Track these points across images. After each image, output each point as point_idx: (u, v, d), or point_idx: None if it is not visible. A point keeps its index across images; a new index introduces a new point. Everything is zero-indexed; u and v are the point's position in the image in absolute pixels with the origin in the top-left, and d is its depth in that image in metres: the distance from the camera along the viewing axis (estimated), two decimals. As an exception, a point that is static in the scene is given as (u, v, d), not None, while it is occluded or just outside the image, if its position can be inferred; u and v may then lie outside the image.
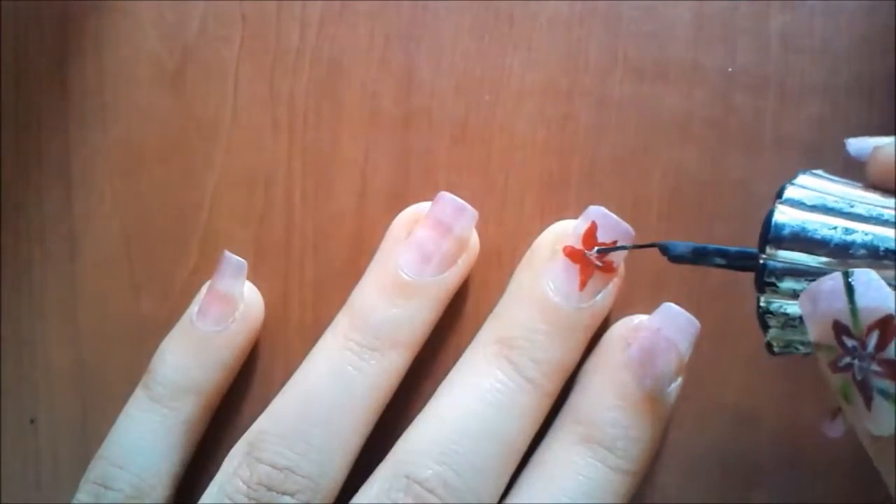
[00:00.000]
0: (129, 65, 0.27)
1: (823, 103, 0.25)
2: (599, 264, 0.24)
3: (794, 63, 0.25)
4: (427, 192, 0.26)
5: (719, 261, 0.21)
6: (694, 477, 0.26)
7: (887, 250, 0.19)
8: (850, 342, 0.18)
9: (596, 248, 0.24)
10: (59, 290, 0.27)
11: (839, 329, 0.18)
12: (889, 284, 0.18)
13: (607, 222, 0.24)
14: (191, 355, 0.25)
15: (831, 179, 0.20)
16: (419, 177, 0.26)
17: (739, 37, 0.25)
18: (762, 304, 0.20)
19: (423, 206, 0.25)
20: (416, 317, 0.24)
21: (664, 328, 0.24)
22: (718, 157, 0.25)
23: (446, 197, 0.24)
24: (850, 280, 0.18)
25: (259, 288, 0.26)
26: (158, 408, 0.24)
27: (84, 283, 0.27)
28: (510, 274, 0.25)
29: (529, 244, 0.25)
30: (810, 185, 0.20)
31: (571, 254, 0.24)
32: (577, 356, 0.24)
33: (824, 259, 0.19)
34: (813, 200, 0.20)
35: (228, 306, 0.25)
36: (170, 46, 0.27)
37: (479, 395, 0.23)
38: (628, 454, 0.23)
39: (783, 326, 0.20)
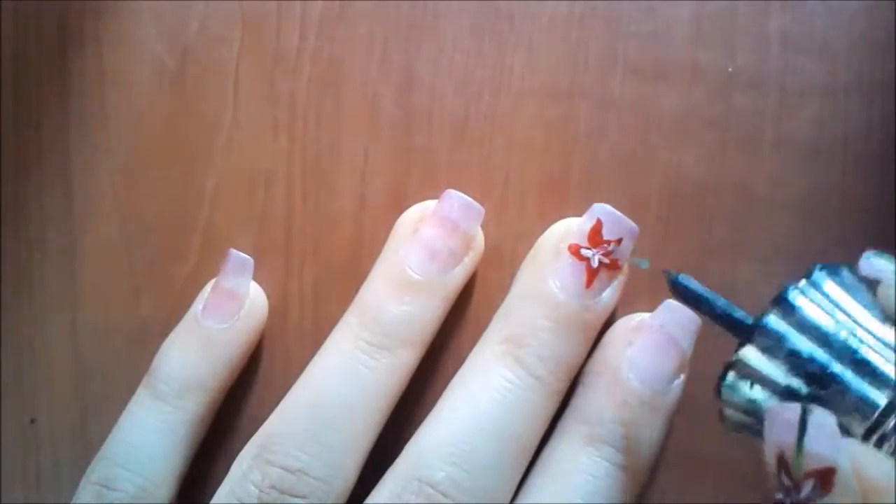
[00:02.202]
0: (129, 65, 0.27)
1: (823, 103, 0.25)
2: (606, 261, 0.24)
3: (794, 63, 0.25)
4: (427, 193, 0.26)
5: (710, 314, 0.20)
6: (694, 477, 0.26)
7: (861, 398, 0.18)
8: (786, 480, 0.17)
9: (597, 253, 0.24)
10: (59, 291, 0.27)
11: (781, 463, 0.17)
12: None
13: (612, 220, 0.24)
14: (196, 353, 0.25)
15: (846, 287, 0.20)
16: (419, 177, 0.26)
17: (739, 37, 0.25)
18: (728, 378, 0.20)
19: (429, 204, 0.25)
20: (426, 315, 0.24)
21: (666, 325, 0.24)
22: (718, 157, 0.25)
23: (453, 194, 0.24)
24: (806, 418, 0.17)
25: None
26: (163, 406, 0.24)
27: (84, 284, 0.27)
28: (510, 273, 0.25)
29: (530, 244, 0.25)
30: (818, 291, 0.19)
31: (577, 252, 0.24)
32: (583, 353, 0.24)
33: (795, 381, 0.19)
34: (809, 316, 0.19)
35: (234, 303, 0.25)
36: (170, 46, 0.27)
37: (488, 395, 0.23)
38: (635, 452, 0.23)
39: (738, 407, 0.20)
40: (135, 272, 0.27)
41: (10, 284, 0.27)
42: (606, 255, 0.24)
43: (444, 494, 0.22)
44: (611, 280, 0.24)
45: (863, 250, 0.20)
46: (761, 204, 0.25)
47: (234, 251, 0.25)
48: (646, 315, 0.24)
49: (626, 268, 0.24)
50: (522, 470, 0.23)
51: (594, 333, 0.24)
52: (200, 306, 0.25)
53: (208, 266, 0.26)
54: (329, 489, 0.22)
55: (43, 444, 0.27)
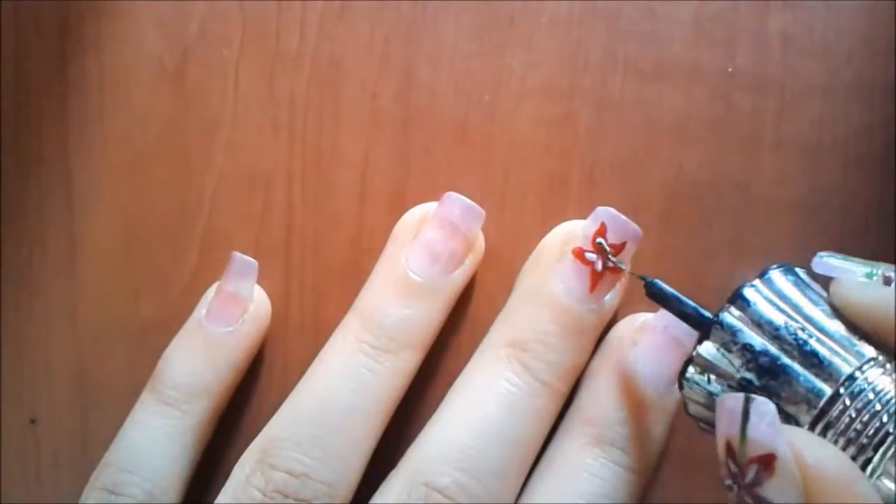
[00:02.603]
0: (129, 65, 0.27)
1: (823, 103, 0.25)
2: (610, 265, 0.24)
3: (794, 63, 0.25)
4: (427, 193, 0.26)
5: (680, 313, 0.21)
6: (694, 477, 0.26)
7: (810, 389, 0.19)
8: (734, 467, 0.18)
9: (601, 256, 0.24)
10: (59, 290, 0.27)
11: (729, 451, 0.18)
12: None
13: (616, 223, 0.23)
14: (201, 357, 0.25)
15: (799, 285, 0.20)
16: (419, 177, 0.26)
17: (739, 37, 0.25)
18: (688, 373, 0.21)
19: (429, 207, 0.25)
20: (427, 317, 0.24)
21: (670, 326, 0.24)
22: (718, 157, 0.25)
23: (453, 196, 0.24)
24: (748, 406, 0.18)
25: (259, 288, 0.26)
26: (170, 411, 0.24)
27: (84, 283, 0.27)
28: (510, 274, 0.25)
29: (530, 244, 0.25)
30: (771, 289, 0.20)
31: (581, 255, 0.24)
32: (587, 356, 0.24)
33: (748, 375, 0.19)
34: (762, 312, 0.20)
35: (238, 307, 0.25)
36: (170, 46, 0.27)
37: (493, 399, 0.23)
38: (639, 453, 0.23)
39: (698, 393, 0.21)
40: (135, 272, 0.27)
41: (10, 284, 0.27)
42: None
43: (451, 500, 0.22)
44: (614, 283, 0.24)
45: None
46: (761, 204, 0.25)
47: (237, 254, 0.25)
48: (649, 315, 0.24)
49: (628, 270, 0.24)
50: (526, 471, 0.23)
51: (597, 336, 0.24)
52: (204, 310, 0.25)
53: (208, 266, 0.26)
54: (333, 492, 0.22)
55: (43, 444, 0.27)
